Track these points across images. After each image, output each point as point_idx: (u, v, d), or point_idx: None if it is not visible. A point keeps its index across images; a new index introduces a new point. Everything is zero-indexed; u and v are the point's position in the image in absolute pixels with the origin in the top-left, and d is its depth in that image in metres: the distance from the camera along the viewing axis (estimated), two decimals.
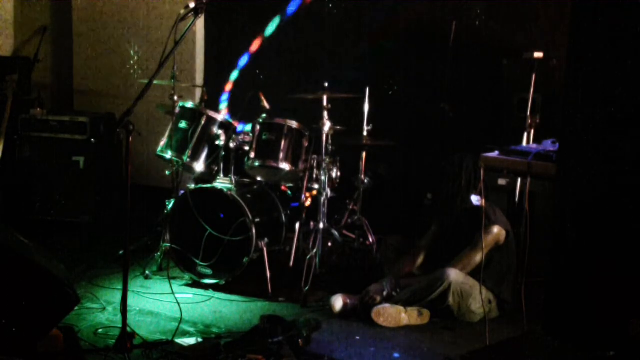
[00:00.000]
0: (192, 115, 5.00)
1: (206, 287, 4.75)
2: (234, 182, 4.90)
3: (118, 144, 6.29)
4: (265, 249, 4.69)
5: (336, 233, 4.95)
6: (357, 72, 6.09)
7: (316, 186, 4.95)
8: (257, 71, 6.46)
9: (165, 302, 4.43)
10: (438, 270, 4.34)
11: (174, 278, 4.77)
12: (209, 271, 4.76)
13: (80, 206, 5.96)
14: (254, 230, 4.66)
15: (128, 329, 3.58)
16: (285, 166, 4.89)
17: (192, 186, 4.92)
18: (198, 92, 6.18)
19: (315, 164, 4.97)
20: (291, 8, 6.29)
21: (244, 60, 6.52)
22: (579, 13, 2.80)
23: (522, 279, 3.83)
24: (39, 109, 6.03)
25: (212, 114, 5.02)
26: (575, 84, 2.80)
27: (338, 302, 4.33)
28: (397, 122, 5.92)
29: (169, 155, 4.98)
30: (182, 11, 4.00)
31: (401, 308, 4.23)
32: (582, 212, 2.80)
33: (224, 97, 6.54)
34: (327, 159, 4.91)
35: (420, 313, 4.25)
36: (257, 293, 4.64)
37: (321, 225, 4.83)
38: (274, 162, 4.89)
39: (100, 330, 3.95)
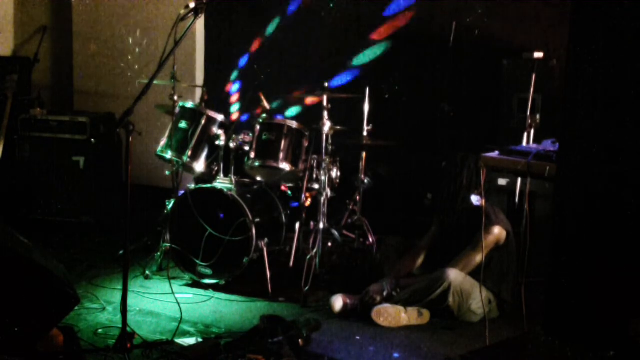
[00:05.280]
0: (192, 115, 5.01)
1: (206, 287, 4.75)
2: (234, 182, 4.90)
3: (118, 144, 6.30)
4: (265, 249, 4.69)
5: (336, 233, 4.94)
6: (357, 72, 6.10)
7: (316, 186, 4.95)
8: (257, 70, 6.47)
9: (165, 302, 4.43)
10: (438, 270, 4.34)
11: (174, 278, 4.77)
12: (209, 271, 4.76)
13: (80, 206, 5.96)
14: (254, 230, 4.66)
15: (128, 329, 3.59)
16: (285, 166, 4.89)
17: (192, 186, 4.92)
18: (198, 92, 6.18)
19: (315, 164, 4.97)
20: (291, 8, 6.29)
21: (243, 61, 6.54)
22: (579, 13, 2.79)
23: (522, 279, 3.83)
24: (39, 109, 6.03)
25: (212, 114, 5.02)
26: (575, 84, 2.80)
27: (338, 302, 4.33)
28: (397, 122, 5.92)
29: (169, 155, 4.98)
30: (182, 11, 4.00)
31: (401, 308, 4.23)
32: (582, 212, 2.80)
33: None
34: (327, 159, 4.91)
35: (420, 313, 4.25)
36: (257, 293, 4.65)
37: (321, 225, 4.83)
38: (274, 162, 4.89)
39: (100, 330, 3.95)
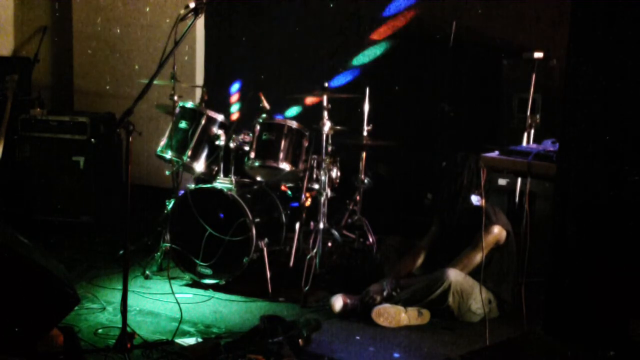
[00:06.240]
0: (192, 115, 5.01)
1: (206, 287, 4.75)
2: (234, 182, 4.90)
3: (118, 144, 6.30)
4: (265, 249, 4.69)
5: (336, 233, 4.94)
6: (357, 72, 6.10)
7: (316, 186, 4.95)
8: (258, 71, 6.47)
9: (165, 302, 4.43)
10: (438, 270, 4.34)
11: (174, 278, 4.76)
12: (209, 271, 4.76)
13: (80, 206, 5.96)
14: (254, 230, 4.66)
15: (128, 329, 3.58)
16: (285, 166, 4.89)
17: (192, 186, 4.92)
18: (198, 92, 6.18)
19: (315, 164, 4.97)
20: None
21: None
22: (579, 13, 2.80)
23: (522, 279, 3.83)
24: (39, 109, 6.03)
25: (212, 114, 5.03)
26: (575, 84, 2.80)
27: (338, 302, 4.33)
28: (397, 122, 5.92)
29: (169, 155, 4.98)
30: (182, 11, 4.00)
31: (401, 308, 4.23)
32: (582, 212, 2.80)
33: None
34: (327, 159, 4.91)
35: (420, 313, 4.25)
36: (257, 293, 4.64)
37: (321, 225, 4.83)
38: (274, 162, 4.89)
39: (100, 330, 3.95)
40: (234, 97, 6.57)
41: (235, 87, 6.56)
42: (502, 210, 4.65)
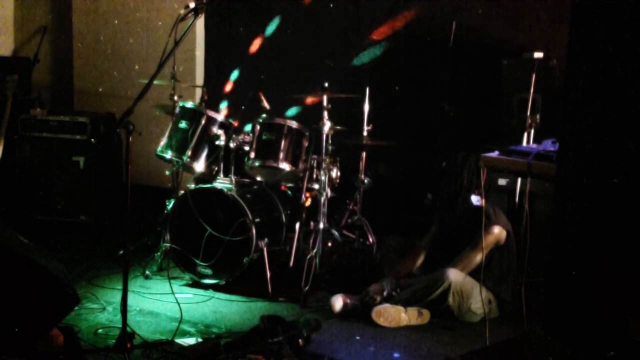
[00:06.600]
0: (192, 115, 5.01)
1: (206, 287, 4.75)
2: (234, 182, 4.90)
3: (118, 144, 6.30)
4: (265, 249, 4.69)
5: (336, 233, 4.94)
6: (357, 72, 6.10)
7: (316, 186, 4.95)
8: (257, 71, 6.46)
9: (165, 302, 4.44)
10: (438, 270, 4.34)
11: (174, 278, 4.77)
12: (209, 271, 4.76)
13: (80, 206, 5.96)
14: (254, 230, 4.66)
15: (128, 329, 3.58)
16: (285, 166, 4.89)
17: (192, 186, 4.92)
18: (198, 92, 6.18)
19: (315, 164, 4.97)
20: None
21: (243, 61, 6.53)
22: (579, 13, 2.79)
23: (522, 279, 3.83)
24: (39, 109, 6.04)
25: (212, 114, 5.03)
26: (575, 84, 2.80)
27: (338, 302, 4.33)
28: (397, 122, 5.92)
29: (169, 155, 4.98)
30: (182, 11, 4.00)
31: (401, 308, 4.23)
32: (582, 212, 2.80)
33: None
34: (327, 159, 4.91)
35: (420, 313, 4.25)
36: (257, 293, 4.64)
37: (321, 225, 4.83)
38: (274, 162, 4.89)
39: (100, 330, 3.95)
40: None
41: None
42: (502, 210, 4.65)
